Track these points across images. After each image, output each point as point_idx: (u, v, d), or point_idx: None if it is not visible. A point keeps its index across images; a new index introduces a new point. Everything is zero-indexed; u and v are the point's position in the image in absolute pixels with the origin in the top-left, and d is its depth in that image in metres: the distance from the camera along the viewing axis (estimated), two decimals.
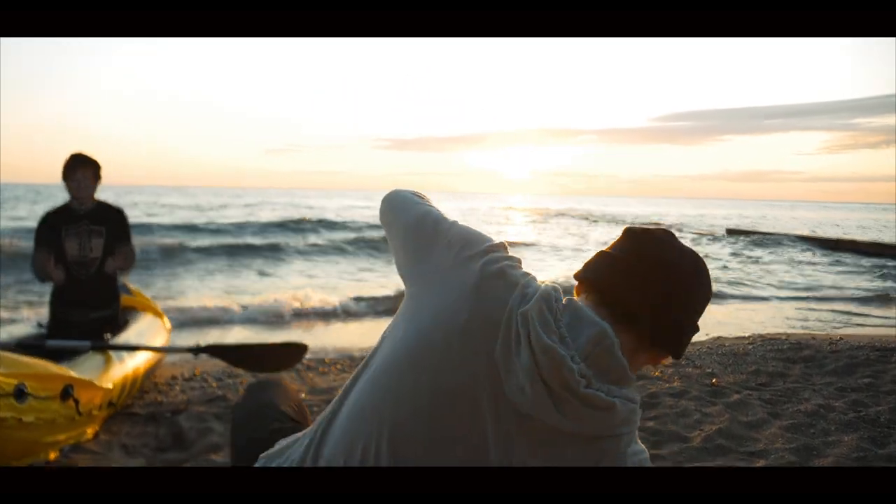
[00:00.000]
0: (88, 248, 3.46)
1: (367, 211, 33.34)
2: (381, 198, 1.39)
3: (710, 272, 1.12)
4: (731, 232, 22.95)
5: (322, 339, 5.84)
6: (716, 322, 6.92)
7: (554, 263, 13.52)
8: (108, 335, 3.39)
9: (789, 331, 6.34)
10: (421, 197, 1.32)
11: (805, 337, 5.65)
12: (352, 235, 16.59)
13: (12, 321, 5.57)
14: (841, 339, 5.49)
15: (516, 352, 0.98)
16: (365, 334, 6.17)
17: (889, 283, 10.59)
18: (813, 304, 8.46)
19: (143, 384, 3.56)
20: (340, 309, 7.04)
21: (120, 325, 3.69)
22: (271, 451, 1.26)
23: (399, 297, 7.40)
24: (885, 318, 7.53)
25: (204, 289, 8.69)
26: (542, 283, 1.07)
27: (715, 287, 9.49)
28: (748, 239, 20.25)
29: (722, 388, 3.81)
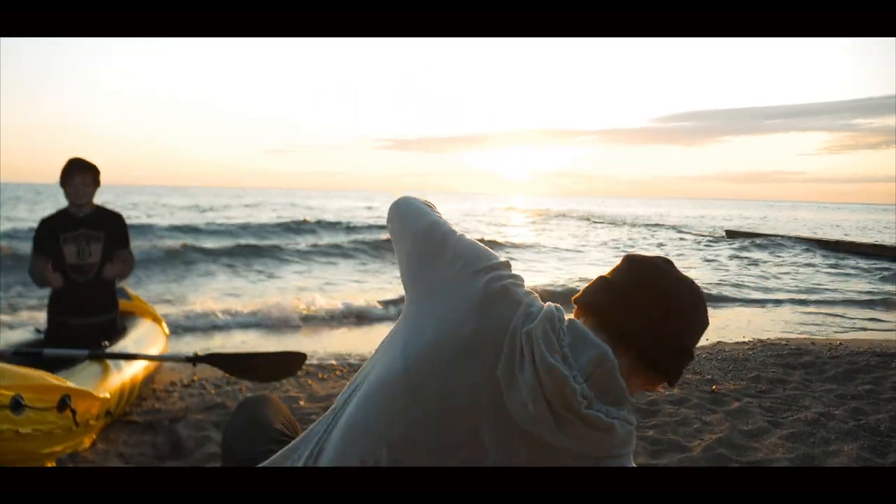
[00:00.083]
0: (87, 253, 3.45)
1: (367, 212, 33.37)
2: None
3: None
4: (731, 233, 22.94)
5: (321, 343, 5.83)
6: (716, 326, 6.92)
7: (555, 266, 13.50)
8: (106, 343, 3.38)
9: (789, 335, 6.33)
10: (430, 206, 1.33)
11: (805, 342, 5.64)
12: (352, 237, 16.60)
13: (11, 326, 5.56)
14: (841, 344, 5.48)
15: (520, 369, 0.99)
16: (364, 339, 6.16)
17: (889, 287, 10.58)
18: (813, 308, 8.45)
19: (141, 391, 3.55)
20: (340, 313, 7.03)
21: (118, 330, 3.68)
22: (265, 464, 1.25)
23: (400, 301, 7.39)
24: (886, 321, 7.52)
25: (203, 293, 8.68)
26: (545, 303, 1.08)
27: (715, 290, 9.49)
28: (748, 240, 20.25)
29: (722, 396, 3.80)
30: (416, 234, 1.22)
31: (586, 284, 1.16)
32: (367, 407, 1.09)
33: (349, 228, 20.49)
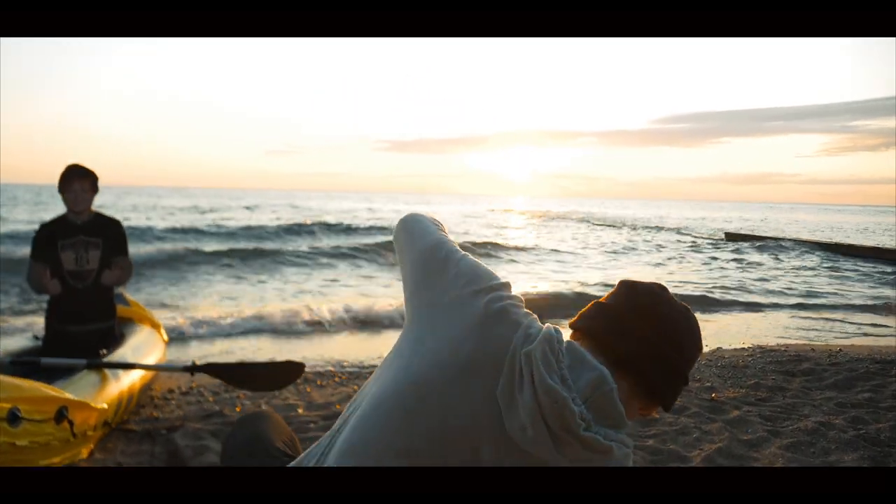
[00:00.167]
0: (85, 259, 3.45)
1: (368, 213, 33.37)
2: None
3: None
4: (730, 236, 22.94)
5: (319, 350, 5.81)
6: (715, 332, 6.91)
7: (556, 269, 13.50)
8: (104, 351, 3.37)
9: (789, 341, 6.32)
10: (437, 224, 1.34)
11: (804, 348, 5.63)
12: (353, 241, 16.58)
13: (9, 332, 5.55)
14: (840, 350, 5.47)
15: (519, 390, 1.00)
16: (363, 345, 6.15)
17: (889, 291, 10.58)
18: (812, 313, 8.44)
19: (139, 399, 3.55)
20: (339, 318, 7.01)
21: (116, 337, 3.67)
22: None
23: (400, 306, 7.37)
24: (885, 326, 7.51)
25: (202, 297, 8.67)
26: (544, 325, 1.09)
27: (714, 294, 9.48)
28: (747, 243, 20.24)
29: (721, 404, 3.79)
30: (419, 253, 1.24)
31: (582, 309, 1.17)
32: (365, 427, 1.09)
33: (350, 231, 20.48)
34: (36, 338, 3.67)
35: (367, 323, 7.00)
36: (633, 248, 18.58)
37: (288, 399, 3.90)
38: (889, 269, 13.58)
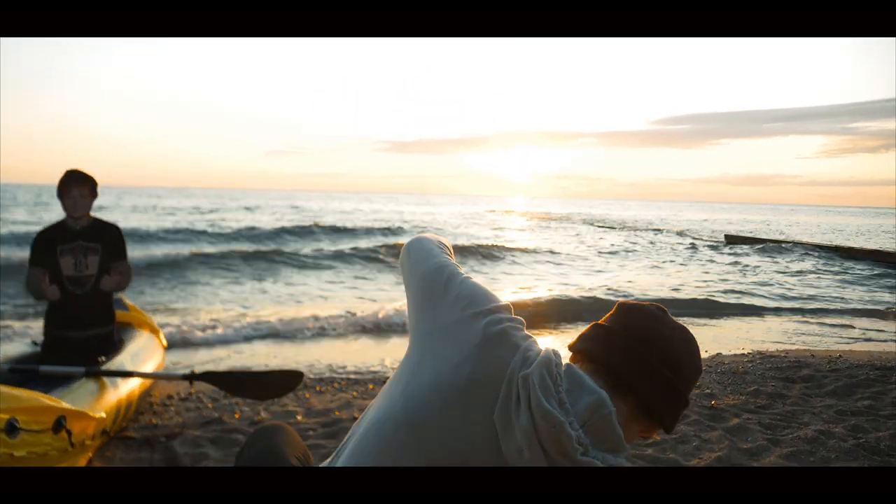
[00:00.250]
0: (84, 265, 3.44)
1: (370, 215, 33.37)
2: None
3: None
4: (730, 238, 22.94)
5: (318, 355, 5.80)
6: (715, 337, 6.91)
7: (557, 271, 13.50)
8: (103, 358, 3.37)
9: (788, 347, 6.32)
10: (443, 246, 1.35)
11: (804, 354, 5.62)
12: (353, 243, 16.58)
13: (7, 338, 5.55)
14: (840, 356, 5.47)
15: (516, 414, 1.00)
16: (363, 351, 6.14)
17: (889, 296, 10.57)
18: (812, 318, 8.43)
19: (138, 406, 3.54)
20: (339, 324, 7.00)
21: (115, 343, 3.67)
22: None
23: (401, 311, 7.37)
24: (885, 331, 7.50)
25: (201, 301, 8.67)
26: (543, 348, 1.09)
27: (714, 296, 9.47)
28: (747, 246, 20.24)
29: (721, 412, 3.79)
30: (422, 277, 1.25)
31: (581, 331, 1.16)
32: (364, 452, 1.09)
33: (350, 233, 20.48)
34: (35, 343, 3.67)
35: (367, 328, 6.99)
36: (634, 251, 18.57)
37: (287, 405, 3.89)
38: (889, 272, 13.57)
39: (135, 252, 12.61)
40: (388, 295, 9.47)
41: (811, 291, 10.71)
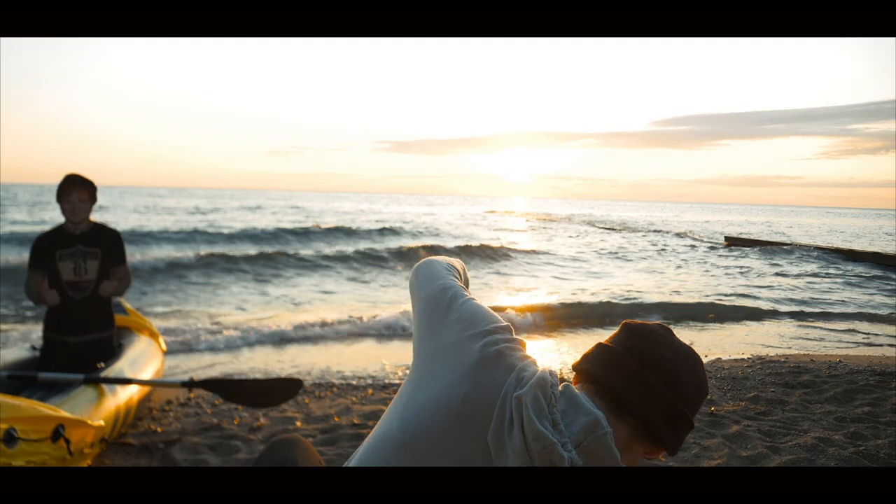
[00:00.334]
0: (83, 270, 3.44)
1: (370, 216, 33.36)
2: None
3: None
4: (731, 240, 22.93)
5: (318, 360, 5.80)
6: (714, 341, 6.90)
7: (557, 272, 13.49)
8: (102, 364, 3.36)
9: (788, 351, 6.31)
10: (452, 268, 1.35)
11: (804, 359, 5.62)
12: (353, 245, 16.57)
13: (6, 342, 5.54)
14: (840, 361, 5.46)
15: (509, 435, 0.99)
16: (363, 355, 6.13)
17: (889, 299, 10.56)
18: (812, 321, 8.43)
19: (136, 412, 3.54)
20: (338, 327, 6.99)
21: (114, 349, 3.66)
22: None
23: (401, 315, 7.37)
24: (885, 335, 7.50)
25: (202, 304, 8.66)
26: (541, 368, 1.07)
27: (715, 299, 9.46)
28: (748, 248, 20.23)
29: (721, 418, 3.78)
30: (427, 297, 1.25)
31: (585, 351, 1.15)
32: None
33: (351, 234, 20.47)
34: (34, 348, 3.66)
35: (367, 332, 6.98)
36: (634, 252, 18.57)
37: (286, 411, 3.89)
38: (889, 274, 13.56)
39: (134, 253, 12.65)
40: (388, 297, 9.47)
41: (811, 294, 10.71)
